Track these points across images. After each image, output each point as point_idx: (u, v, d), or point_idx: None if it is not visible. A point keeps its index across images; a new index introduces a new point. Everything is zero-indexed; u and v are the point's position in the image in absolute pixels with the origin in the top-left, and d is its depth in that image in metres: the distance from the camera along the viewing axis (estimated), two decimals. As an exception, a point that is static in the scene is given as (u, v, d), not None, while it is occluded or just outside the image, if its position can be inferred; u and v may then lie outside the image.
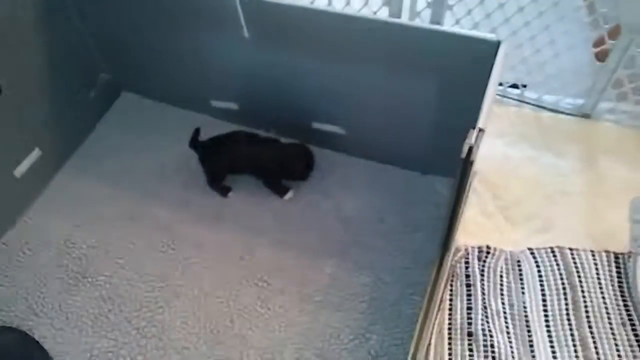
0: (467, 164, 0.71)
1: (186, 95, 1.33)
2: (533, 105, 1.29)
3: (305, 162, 1.18)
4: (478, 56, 0.85)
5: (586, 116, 1.24)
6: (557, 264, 1.05)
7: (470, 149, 0.70)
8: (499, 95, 1.32)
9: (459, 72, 0.92)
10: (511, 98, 1.31)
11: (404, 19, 1.21)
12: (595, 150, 1.19)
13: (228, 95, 1.26)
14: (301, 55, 1.05)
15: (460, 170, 0.73)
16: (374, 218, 1.15)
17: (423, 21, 1.23)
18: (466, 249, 1.07)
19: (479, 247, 1.07)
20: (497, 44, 0.83)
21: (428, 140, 1.11)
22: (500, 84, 1.31)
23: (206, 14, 1.05)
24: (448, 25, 1.21)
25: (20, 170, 1.18)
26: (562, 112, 1.26)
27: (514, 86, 1.30)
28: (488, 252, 1.07)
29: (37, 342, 1.02)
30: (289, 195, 1.19)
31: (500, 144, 1.25)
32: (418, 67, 0.97)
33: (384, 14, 1.17)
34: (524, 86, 1.29)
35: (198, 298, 1.07)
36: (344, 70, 1.04)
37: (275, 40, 1.04)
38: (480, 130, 0.72)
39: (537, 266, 1.05)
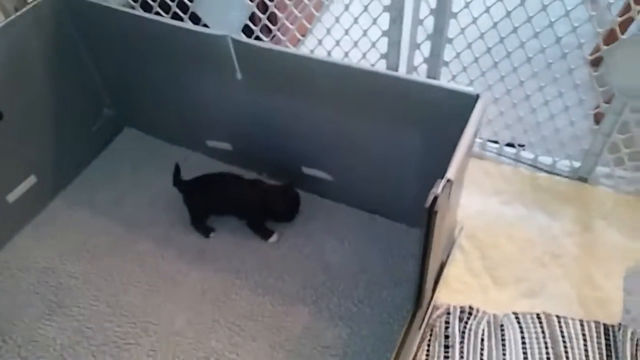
0: (431, 213, 0.69)
1: (184, 133, 1.36)
2: (529, 165, 1.27)
3: (289, 202, 1.17)
4: (459, 109, 0.85)
5: (583, 179, 1.21)
6: (543, 332, 0.99)
7: (436, 199, 0.69)
8: (494, 153, 1.30)
9: (442, 124, 0.91)
10: (507, 157, 1.29)
11: (401, 72, 1.23)
12: (590, 215, 1.15)
13: (222, 136, 1.28)
14: (293, 100, 1.07)
15: (425, 220, 0.71)
16: (356, 267, 1.12)
17: (419, 75, 1.24)
18: (447, 308, 1.02)
19: (461, 307, 1.02)
20: (476, 98, 0.83)
21: (414, 193, 1.08)
22: (496, 142, 1.30)
23: (203, 57, 1.08)
24: (444, 81, 1.22)
25: (14, 195, 1.20)
26: (558, 174, 1.24)
27: (511, 145, 1.29)
28: (470, 313, 1.02)
29: None
30: (273, 238, 1.18)
31: (494, 202, 1.22)
32: (404, 118, 0.97)
33: (381, 67, 1.19)
34: (521, 146, 1.28)
35: (168, 337, 1.04)
36: (334, 117, 1.05)
37: (267, 84, 1.07)
38: (448, 180, 0.71)
39: (522, 332, 0.99)
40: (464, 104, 0.84)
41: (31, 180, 1.23)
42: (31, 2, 1.16)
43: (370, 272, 1.11)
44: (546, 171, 1.25)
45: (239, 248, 1.18)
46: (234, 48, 1.02)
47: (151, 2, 1.22)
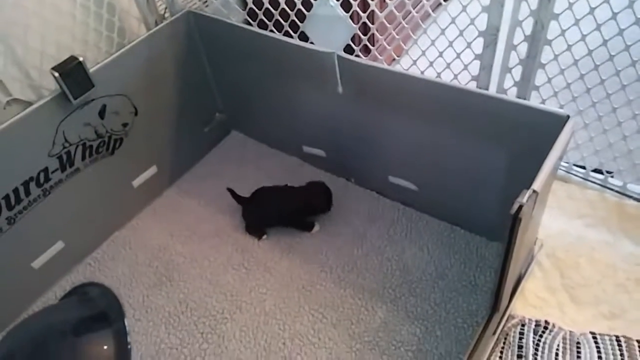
0: (515, 220, 0.76)
1: (283, 139, 1.50)
2: (617, 192, 1.27)
3: (328, 196, 1.32)
4: (548, 129, 0.90)
5: (674, 210, 1.20)
6: (622, 355, 1.00)
7: (520, 207, 0.75)
8: (581, 178, 1.32)
9: (529, 144, 0.97)
10: (594, 182, 1.30)
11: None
12: (680, 246, 1.14)
13: (317, 143, 1.41)
14: (387, 113, 1.17)
15: (509, 228, 0.78)
16: (434, 273, 1.19)
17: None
18: (522, 320, 1.06)
19: (537, 321, 1.06)
20: (566, 118, 0.88)
21: (497, 207, 1.14)
22: (583, 167, 1.31)
23: (309, 71, 1.22)
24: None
25: (138, 181, 1.40)
26: (648, 203, 1.23)
27: (598, 171, 1.30)
28: (546, 328, 1.05)
29: (116, 296, 1.19)
30: (316, 228, 1.31)
31: (577, 224, 1.23)
32: (492, 136, 1.04)
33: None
34: (609, 172, 1.28)
35: (259, 316, 1.17)
36: (424, 131, 1.14)
37: (364, 98, 1.18)
38: (534, 191, 0.77)
39: (599, 352, 1.01)
40: (553, 124, 0.90)
41: (153, 169, 1.43)
42: (168, 17, 1.37)
43: (448, 279, 1.18)
44: (635, 199, 1.25)
45: (325, 245, 1.29)
46: (339, 64, 1.15)
47: (267, 21, 1.38)
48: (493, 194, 1.13)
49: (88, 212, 1.30)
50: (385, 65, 1.10)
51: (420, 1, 1.21)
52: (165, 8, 1.38)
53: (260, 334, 1.14)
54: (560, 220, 1.24)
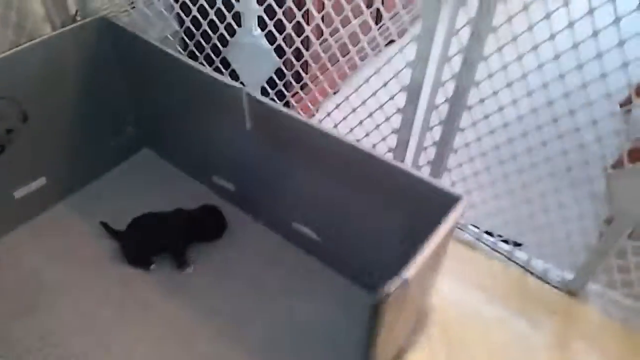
0: (378, 308, 0.69)
1: (194, 165, 1.41)
2: (520, 266, 1.24)
3: (219, 218, 1.27)
4: (443, 206, 0.85)
5: (573, 293, 1.18)
6: None
7: (385, 296, 0.69)
8: (488, 247, 1.29)
9: (426, 216, 0.91)
10: (500, 253, 1.27)
11: (411, 146, 1.24)
12: (572, 331, 1.11)
13: (227, 175, 1.32)
14: (291, 159, 1.11)
15: (371, 313, 0.71)
16: (325, 329, 1.11)
17: (428, 155, 1.26)
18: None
19: (416, 400, 1.00)
20: (458, 199, 0.83)
21: (393, 269, 1.08)
22: (491, 234, 1.29)
23: (218, 101, 1.13)
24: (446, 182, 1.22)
25: (21, 192, 1.26)
26: (548, 283, 1.21)
27: (506, 241, 1.27)
28: (423, 409, 0.99)
29: None
30: (190, 269, 1.22)
31: (475, 296, 1.19)
32: (392, 200, 0.99)
33: (393, 141, 1.21)
34: (517, 245, 1.26)
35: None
36: (328, 184, 1.07)
37: (271, 139, 1.11)
38: (405, 280, 0.71)
39: None
40: (447, 202, 0.85)
41: (41, 181, 1.29)
42: (78, 20, 1.25)
43: (336, 338, 1.10)
44: (537, 277, 1.22)
45: (217, 286, 1.19)
46: (247, 101, 1.07)
47: (204, 44, 1.28)
48: (390, 256, 1.06)
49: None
50: (292, 113, 1.02)
51: (347, 53, 1.15)
52: (77, 11, 1.27)
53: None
54: (459, 289, 1.20)
